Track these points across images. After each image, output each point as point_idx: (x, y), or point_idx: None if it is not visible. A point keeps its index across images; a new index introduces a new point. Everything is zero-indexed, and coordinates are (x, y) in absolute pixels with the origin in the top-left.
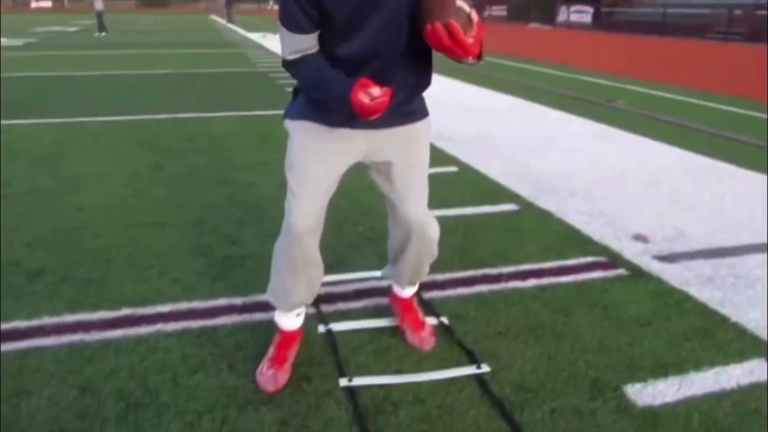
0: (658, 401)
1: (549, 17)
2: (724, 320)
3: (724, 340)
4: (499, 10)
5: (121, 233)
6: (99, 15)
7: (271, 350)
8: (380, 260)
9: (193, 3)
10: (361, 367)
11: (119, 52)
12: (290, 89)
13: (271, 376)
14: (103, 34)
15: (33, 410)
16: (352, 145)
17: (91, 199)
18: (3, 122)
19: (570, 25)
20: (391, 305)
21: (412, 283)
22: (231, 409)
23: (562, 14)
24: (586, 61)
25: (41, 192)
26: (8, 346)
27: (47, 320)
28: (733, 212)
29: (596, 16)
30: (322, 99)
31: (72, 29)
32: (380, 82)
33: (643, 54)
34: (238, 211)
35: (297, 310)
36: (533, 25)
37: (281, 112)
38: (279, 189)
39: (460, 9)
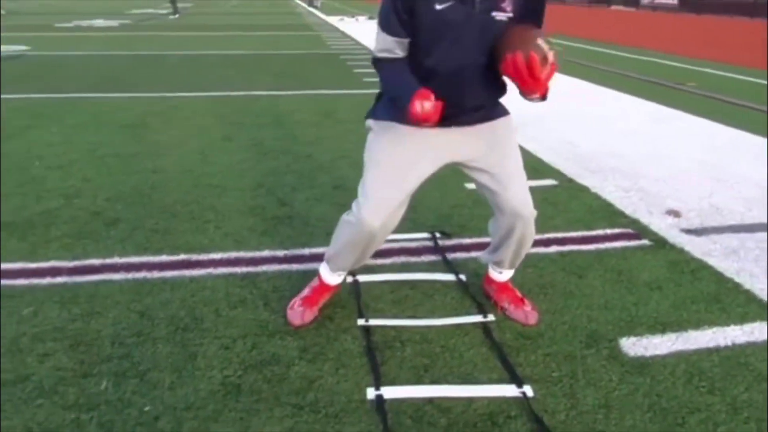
0: (649, 353)
1: None
2: (736, 287)
3: (731, 304)
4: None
5: (187, 193)
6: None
7: (306, 291)
8: (412, 223)
9: None
10: (378, 311)
11: (203, 34)
12: (358, 70)
13: (299, 313)
14: (176, 17)
15: (100, 326)
16: (436, 145)
17: (166, 164)
18: (95, 95)
19: (655, 7)
20: (486, 288)
21: (512, 266)
22: (261, 337)
23: None
24: (668, 44)
25: (124, 156)
26: (84, 278)
27: (117, 260)
28: None
29: None
30: (394, 99)
31: (164, 11)
32: (456, 92)
33: (726, 36)
34: (293, 178)
35: (340, 272)
36: (616, 7)
37: (346, 91)
38: (332, 161)
39: (539, 46)
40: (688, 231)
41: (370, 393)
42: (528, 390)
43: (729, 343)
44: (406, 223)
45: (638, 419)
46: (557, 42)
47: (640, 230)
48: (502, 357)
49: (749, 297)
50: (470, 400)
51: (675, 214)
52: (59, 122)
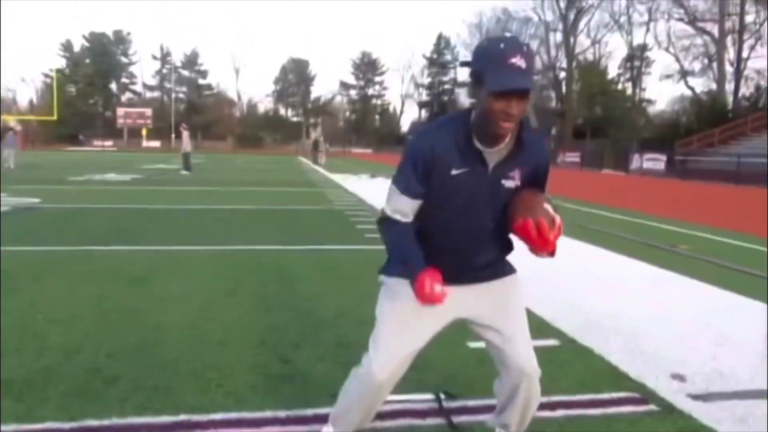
0: None
1: (622, 164)
2: None
3: None
4: (573, 157)
5: (189, 349)
6: (186, 155)
7: None
8: (416, 383)
9: (283, 145)
10: None
11: (211, 188)
12: (361, 226)
13: None
14: (188, 173)
15: None
16: (446, 304)
17: (169, 319)
18: (102, 247)
19: (644, 172)
20: None
21: (519, 429)
22: None
23: (635, 161)
24: (657, 207)
25: (127, 310)
26: None
27: (116, 421)
28: None
29: (669, 163)
30: (396, 260)
31: (174, 167)
32: (465, 250)
33: (712, 201)
34: (295, 335)
35: None
36: (606, 171)
37: (350, 246)
38: (335, 317)
39: (547, 211)
40: (695, 397)
41: None
42: None
43: None
44: (410, 384)
45: None
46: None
47: (646, 394)
48: None
49: None
50: None
51: (680, 378)
52: (65, 274)
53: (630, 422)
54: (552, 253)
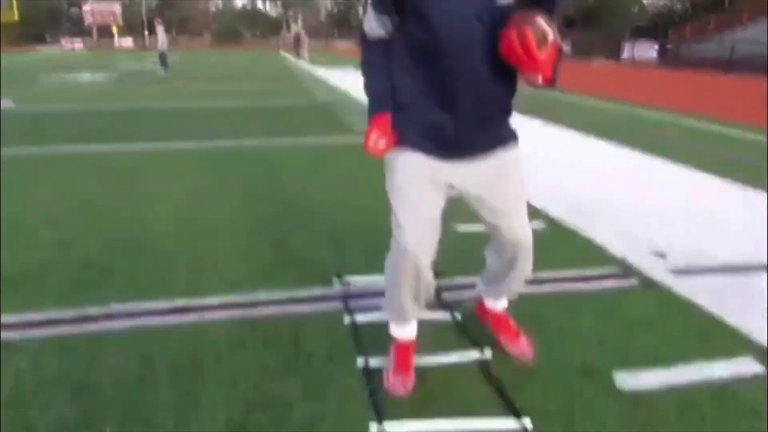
0: (642, 386)
1: (614, 53)
2: (723, 325)
3: (719, 341)
4: (563, 45)
5: (183, 240)
6: (162, 54)
7: (392, 360)
8: None
9: (264, 40)
10: (376, 351)
11: (191, 86)
12: (348, 119)
13: (399, 381)
14: (166, 72)
15: (101, 375)
16: (444, 175)
17: (158, 212)
18: (83, 146)
19: (635, 61)
20: (482, 318)
21: (510, 296)
22: (263, 378)
23: (627, 50)
24: (648, 95)
25: (115, 205)
26: (82, 328)
27: (115, 308)
28: (759, 236)
29: (662, 51)
30: (366, 91)
31: (150, 67)
32: (465, 92)
33: (702, 90)
34: (287, 224)
35: (410, 322)
36: (597, 61)
37: (336, 138)
38: (325, 206)
39: (537, 25)
40: (675, 272)
41: (373, 428)
42: (527, 423)
43: (717, 377)
44: None
45: None
46: (541, 93)
47: (629, 271)
48: (501, 391)
49: (735, 334)
50: None
51: (662, 255)
52: (49, 174)
53: (612, 296)
54: (548, 80)
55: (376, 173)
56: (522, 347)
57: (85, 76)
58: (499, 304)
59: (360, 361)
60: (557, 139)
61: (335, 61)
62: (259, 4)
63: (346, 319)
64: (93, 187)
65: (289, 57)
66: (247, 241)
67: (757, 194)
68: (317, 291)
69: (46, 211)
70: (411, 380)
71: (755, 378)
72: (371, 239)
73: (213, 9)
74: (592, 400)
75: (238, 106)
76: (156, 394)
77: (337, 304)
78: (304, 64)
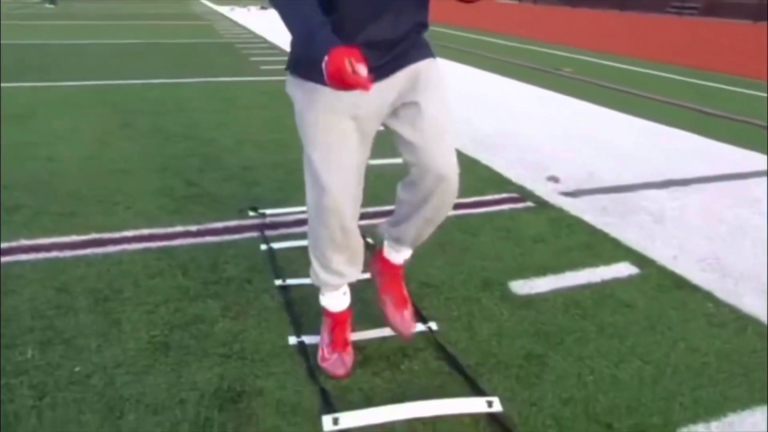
0: (534, 291)
1: None
2: (605, 237)
3: (600, 250)
4: None
5: (91, 178)
6: None
7: (325, 336)
8: None
9: None
10: (293, 273)
11: (87, 22)
12: (254, 59)
13: (337, 360)
14: (52, 6)
15: (16, 303)
16: (362, 103)
17: (63, 151)
18: None
19: (535, 0)
20: (375, 269)
21: (413, 244)
22: (183, 301)
23: None
24: (546, 33)
25: (16, 144)
26: None
27: (24, 242)
28: (643, 160)
29: None
30: (298, 36)
31: (38, 0)
32: (378, 15)
33: (597, 27)
34: (199, 161)
35: (343, 289)
36: None
37: (244, 78)
38: (237, 143)
39: None
40: (566, 194)
41: (292, 340)
42: (433, 325)
43: (599, 280)
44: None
45: (525, 342)
46: (446, 31)
47: (524, 195)
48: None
49: (615, 243)
50: (383, 339)
51: (555, 180)
52: None
53: (509, 216)
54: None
55: (280, 109)
56: (403, 319)
57: None
58: (398, 257)
59: (278, 282)
60: (464, 77)
61: None
62: None
63: (263, 247)
64: None
65: None
66: (159, 178)
67: (645, 122)
68: (233, 223)
69: None
70: (350, 356)
71: (630, 278)
72: (282, 174)
73: None
74: (489, 306)
75: (140, 43)
76: (76, 319)
77: (253, 234)
78: (205, 1)
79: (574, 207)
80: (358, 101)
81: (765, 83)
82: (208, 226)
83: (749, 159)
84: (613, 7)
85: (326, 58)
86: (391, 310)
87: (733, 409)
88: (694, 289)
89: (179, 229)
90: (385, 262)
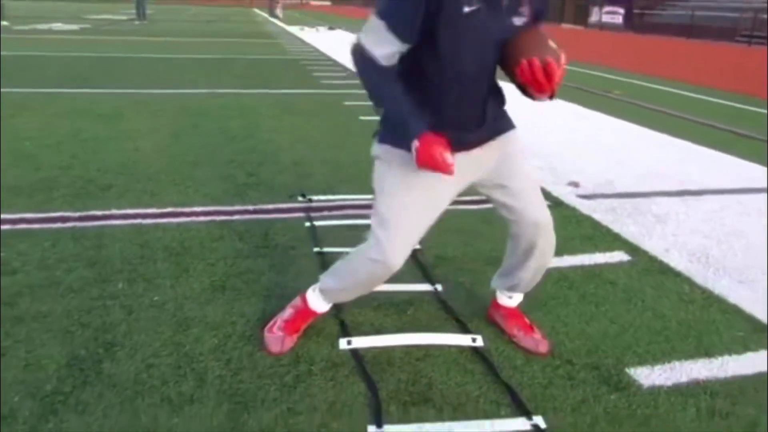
0: None
1: (582, 17)
2: (608, 231)
3: (600, 242)
4: None
5: (167, 166)
6: (140, 3)
7: (288, 313)
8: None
9: None
10: (330, 243)
11: (164, 39)
12: (316, 74)
13: (279, 338)
14: (145, 22)
15: (109, 253)
16: (456, 173)
17: (143, 145)
18: (68, 90)
19: (602, 26)
20: (492, 314)
21: (526, 289)
22: (238, 258)
23: (595, 15)
24: (610, 58)
25: (104, 139)
26: (89, 224)
27: (115, 211)
28: (662, 171)
29: (627, 17)
30: (391, 116)
31: (122, 18)
32: (472, 103)
33: (657, 53)
34: (258, 157)
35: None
36: (566, 25)
37: (305, 90)
38: (291, 144)
39: (553, 49)
40: (582, 196)
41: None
42: (438, 287)
43: (592, 263)
44: (351, 183)
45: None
46: None
47: (544, 195)
48: (422, 269)
49: (615, 237)
50: (395, 292)
51: (575, 184)
52: (39, 112)
53: None
54: (552, 95)
55: (335, 117)
56: (536, 341)
57: (57, 25)
58: (512, 301)
59: (315, 249)
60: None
61: (308, 19)
62: None
63: (307, 224)
64: (81, 124)
65: (264, 14)
66: (223, 169)
67: (671, 138)
68: (284, 205)
69: (43, 143)
70: (292, 343)
71: (620, 263)
72: (328, 169)
73: None
74: (490, 276)
75: (213, 58)
76: (155, 266)
77: (300, 215)
78: (278, 22)
79: (586, 207)
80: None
81: None
82: (263, 206)
83: (763, 175)
84: (680, 35)
85: (416, 143)
86: (521, 337)
87: (678, 359)
88: (676, 275)
89: (238, 207)
90: (502, 308)
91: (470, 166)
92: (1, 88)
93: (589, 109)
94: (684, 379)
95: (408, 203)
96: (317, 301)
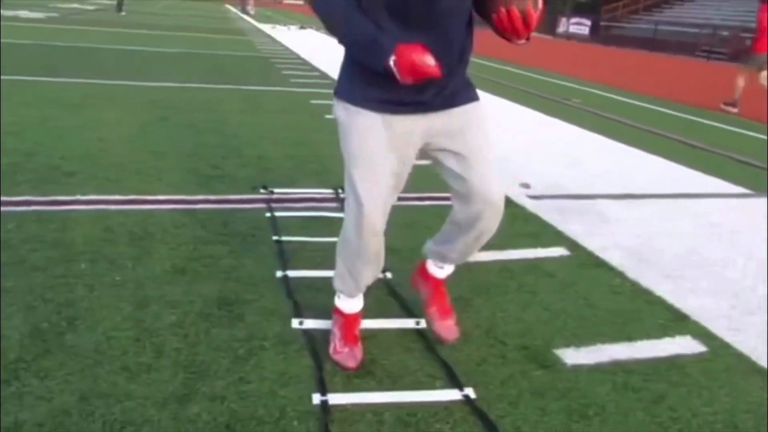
0: (477, 260)
1: (550, 28)
2: (552, 229)
3: (545, 239)
4: None
5: (132, 156)
6: None
7: (338, 332)
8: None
9: None
10: (288, 233)
11: (135, 31)
12: (286, 72)
13: (348, 353)
14: (123, 13)
15: (73, 236)
16: (412, 131)
17: (109, 134)
18: (35, 78)
19: (570, 36)
20: (418, 282)
21: (457, 262)
22: (199, 244)
23: (563, 25)
24: (575, 68)
25: (70, 127)
26: (54, 208)
27: (79, 197)
28: (610, 178)
29: (593, 29)
30: (350, 44)
31: (90, 8)
32: (415, 39)
33: (617, 64)
34: (223, 150)
35: (360, 294)
36: (534, 34)
37: (273, 87)
38: (257, 139)
39: None
40: (531, 197)
41: (278, 273)
42: (388, 274)
43: (533, 257)
44: (313, 178)
45: (459, 290)
46: (480, 62)
47: None
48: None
49: (559, 234)
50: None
51: (526, 186)
52: (5, 100)
53: None
54: (528, 38)
55: (301, 115)
56: (447, 327)
57: (23, 13)
58: (442, 272)
59: (274, 237)
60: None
61: (280, 17)
62: None
63: (267, 215)
64: (48, 112)
65: (235, 11)
66: (188, 160)
67: (620, 145)
68: (246, 196)
69: (9, 130)
70: (360, 350)
71: (560, 258)
72: (291, 164)
73: None
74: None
75: (182, 52)
76: (117, 249)
77: (262, 206)
78: (249, 20)
79: (534, 207)
80: (398, 128)
81: (744, 122)
82: (225, 197)
83: (707, 182)
84: (643, 48)
85: (393, 57)
86: (436, 320)
87: (602, 342)
88: (610, 269)
89: (201, 197)
90: (430, 277)
91: (428, 127)
92: None
93: (548, 116)
94: (605, 359)
95: (368, 162)
96: (343, 302)
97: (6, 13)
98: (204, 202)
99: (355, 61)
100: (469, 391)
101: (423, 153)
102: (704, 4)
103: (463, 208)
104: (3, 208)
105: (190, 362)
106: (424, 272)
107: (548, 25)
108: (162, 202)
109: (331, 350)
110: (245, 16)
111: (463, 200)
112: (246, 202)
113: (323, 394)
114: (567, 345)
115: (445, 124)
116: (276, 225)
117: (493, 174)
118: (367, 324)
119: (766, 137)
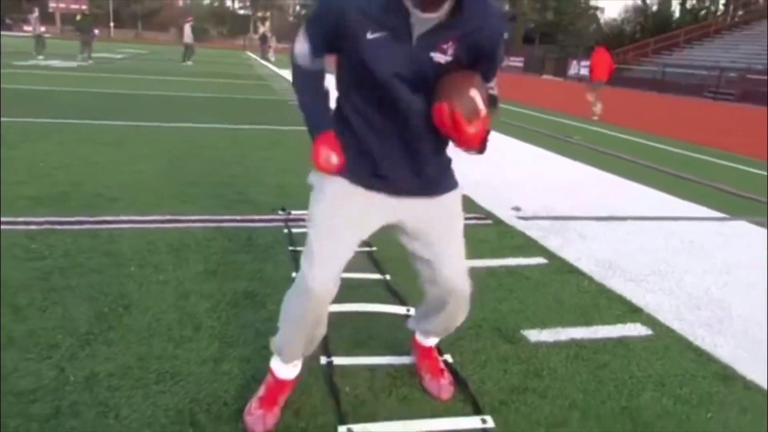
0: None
1: (561, 70)
2: (535, 243)
3: (528, 251)
4: (517, 61)
5: (167, 185)
6: (188, 46)
7: (262, 390)
8: None
9: (230, 39)
10: (302, 244)
11: (161, 78)
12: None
13: (260, 416)
14: (189, 63)
15: (121, 247)
16: (380, 208)
17: (145, 168)
18: (73, 121)
19: (580, 78)
20: (412, 346)
21: (442, 334)
22: (227, 252)
23: (573, 68)
24: (580, 108)
25: (109, 162)
26: (103, 226)
27: (123, 218)
28: (598, 203)
29: None
30: (302, 111)
31: (119, 56)
32: (392, 141)
33: (623, 105)
34: (248, 180)
35: (295, 362)
36: (546, 77)
37: (291, 127)
38: (278, 171)
39: (469, 98)
40: (521, 218)
41: (294, 275)
42: (388, 277)
43: (515, 264)
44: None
45: None
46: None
47: (488, 215)
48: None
49: (540, 248)
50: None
51: (517, 209)
52: (47, 140)
53: (470, 228)
54: (479, 150)
55: None
56: (441, 387)
57: (56, 62)
58: (428, 342)
59: (291, 248)
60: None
61: None
62: (228, 2)
63: (285, 231)
64: (88, 150)
65: (256, 57)
66: (216, 188)
67: (611, 176)
68: (266, 216)
69: (56, 165)
70: (273, 417)
71: (538, 265)
72: (307, 192)
73: (180, 3)
74: None
75: (208, 96)
76: (159, 257)
77: (280, 224)
78: (269, 65)
79: (522, 226)
80: (372, 202)
81: (731, 155)
82: (247, 217)
83: (690, 208)
84: (652, 89)
85: (313, 144)
86: (427, 379)
87: (563, 326)
88: (580, 273)
89: (227, 216)
90: (419, 346)
91: (399, 208)
92: (1, 118)
93: (550, 151)
94: (564, 338)
95: (330, 232)
96: (279, 367)
97: (40, 62)
98: (231, 221)
99: (336, 129)
100: (447, 357)
101: (387, 227)
102: (711, 47)
103: (432, 288)
104: (59, 227)
105: (223, 335)
106: (413, 340)
107: (560, 68)
108: (195, 221)
109: (245, 410)
110: (265, 62)
111: (430, 283)
112: (267, 221)
113: (328, 356)
114: (533, 327)
115: (420, 211)
116: (292, 238)
117: (459, 262)
118: (367, 308)
119: (765, 172)
